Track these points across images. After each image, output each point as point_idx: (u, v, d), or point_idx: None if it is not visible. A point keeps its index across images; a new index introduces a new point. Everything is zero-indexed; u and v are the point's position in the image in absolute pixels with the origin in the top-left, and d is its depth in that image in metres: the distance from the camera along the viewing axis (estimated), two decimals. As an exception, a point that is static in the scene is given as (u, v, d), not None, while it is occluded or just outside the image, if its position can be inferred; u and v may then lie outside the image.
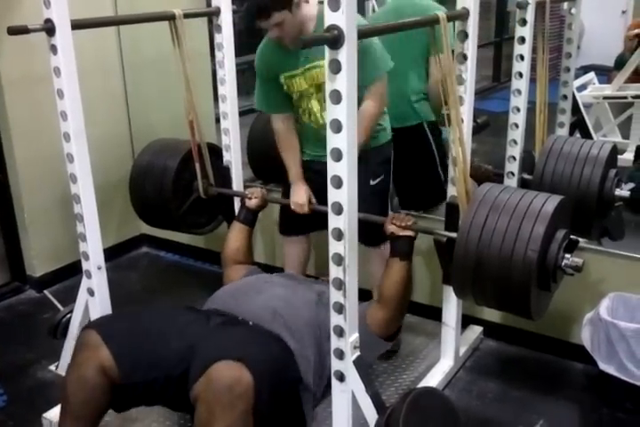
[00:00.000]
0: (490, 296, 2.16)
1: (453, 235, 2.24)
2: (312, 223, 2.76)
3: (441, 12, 2.13)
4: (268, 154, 2.91)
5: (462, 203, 2.29)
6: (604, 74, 4.47)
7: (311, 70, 2.50)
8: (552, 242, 2.08)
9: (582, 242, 2.79)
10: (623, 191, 2.64)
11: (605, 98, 4.07)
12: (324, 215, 2.61)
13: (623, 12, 4.80)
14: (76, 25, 2.20)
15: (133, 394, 2.08)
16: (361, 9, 3.64)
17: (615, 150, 2.68)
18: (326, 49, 1.66)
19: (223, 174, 3.01)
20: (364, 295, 2.35)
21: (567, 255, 2.11)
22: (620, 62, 4.21)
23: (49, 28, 2.12)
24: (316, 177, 2.56)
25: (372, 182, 2.62)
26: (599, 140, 3.65)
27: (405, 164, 2.88)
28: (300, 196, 2.68)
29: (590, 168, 2.55)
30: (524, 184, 2.76)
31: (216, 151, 3.02)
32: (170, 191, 2.92)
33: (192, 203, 3.03)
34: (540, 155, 2.69)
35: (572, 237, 2.17)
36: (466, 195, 2.29)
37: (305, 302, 2.40)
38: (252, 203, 2.82)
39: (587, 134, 3.84)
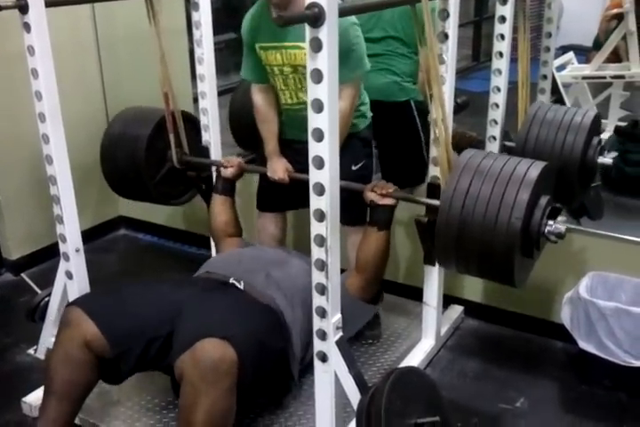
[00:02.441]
0: (473, 264, 2.15)
1: (436, 202, 2.22)
2: (291, 201, 2.75)
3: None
4: (252, 123, 2.86)
5: (444, 178, 2.26)
6: (583, 54, 4.48)
7: (289, 49, 2.46)
8: (536, 208, 2.06)
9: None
10: (606, 159, 2.63)
11: (584, 78, 4.07)
12: (303, 194, 2.62)
13: (602, -8, 4.80)
14: (50, 2, 2.14)
15: (128, 363, 2.09)
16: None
17: (599, 118, 2.67)
18: (307, 27, 1.64)
19: (199, 143, 2.95)
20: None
21: (550, 222, 2.10)
22: (599, 42, 4.22)
23: (22, 6, 2.06)
24: (297, 156, 2.54)
25: (353, 168, 2.60)
26: (582, 107, 3.62)
27: (390, 139, 2.88)
28: (277, 172, 2.64)
29: (573, 135, 2.53)
30: (506, 151, 2.76)
31: (191, 120, 2.96)
32: (143, 161, 2.83)
33: (166, 173, 2.94)
34: (524, 121, 2.66)
35: (555, 204, 2.16)
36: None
37: (298, 270, 2.42)
38: (229, 172, 2.75)
39: (566, 114, 3.84)
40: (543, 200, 2.09)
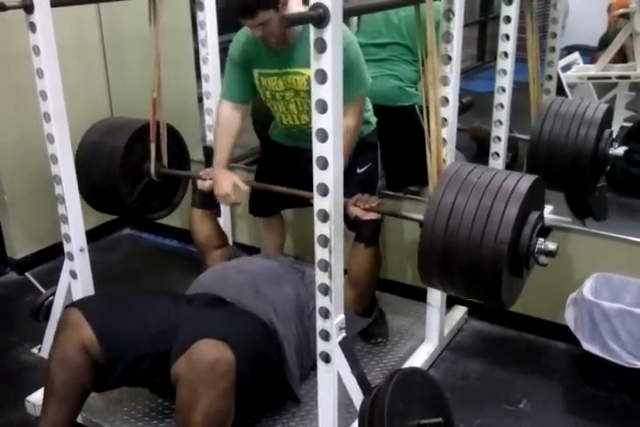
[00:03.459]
0: (458, 284, 2.01)
1: (420, 217, 2.10)
2: (281, 202, 2.74)
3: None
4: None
5: (433, 184, 2.19)
6: (589, 54, 4.47)
7: (291, 75, 2.45)
8: (525, 225, 1.91)
9: (567, 223, 2.82)
10: (617, 150, 2.70)
11: (590, 78, 4.07)
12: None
13: (608, -8, 4.79)
14: (56, 2, 2.14)
15: (114, 373, 2.07)
16: None
17: (610, 112, 2.74)
18: (311, 28, 1.64)
19: (180, 156, 2.91)
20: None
21: (540, 239, 1.94)
22: (605, 42, 4.21)
23: (27, 6, 2.07)
24: (297, 162, 2.54)
25: (358, 171, 2.59)
26: (594, 102, 3.65)
27: (395, 142, 2.88)
28: (222, 186, 2.50)
29: (586, 128, 2.61)
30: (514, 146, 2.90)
31: (173, 133, 2.88)
32: (118, 175, 2.69)
33: (144, 187, 2.81)
34: (538, 115, 2.74)
35: (545, 224, 2.02)
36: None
37: (287, 281, 2.41)
38: (207, 184, 2.63)
39: (571, 115, 3.84)
40: (533, 216, 1.93)
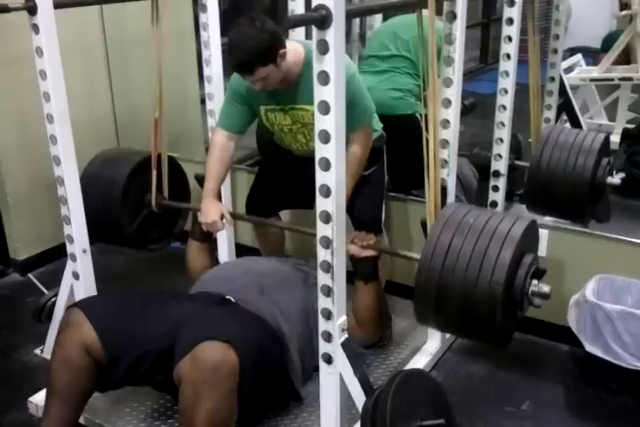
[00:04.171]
0: (453, 324, 2.05)
1: (416, 256, 2.10)
2: (279, 203, 2.74)
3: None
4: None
5: (430, 216, 2.18)
6: (591, 56, 4.48)
7: (297, 111, 2.45)
8: (519, 268, 1.94)
9: (569, 224, 2.82)
10: (614, 179, 2.81)
11: (592, 80, 4.08)
12: (290, 195, 2.64)
13: (611, -6, 4.81)
14: (59, 4, 2.15)
15: (116, 372, 2.07)
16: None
17: (608, 140, 2.83)
18: (314, 29, 1.64)
19: (181, 187, 2.92)
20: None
21: (534, 282, 1.97)
22: (607, 44, 4.22)
23: (30, 7, 2.07)
24: (300, 166, 2.54)
25: (364, 173, 2.59)
26: (592, 130, 3.67)
27: (397, 149, 2.88)
28: (209, 215, 2.50)
29: (584, 157, 2.70)
30: (520, 171, 2.95)
31: (173, 163, 2.87)
32: (119, 206, 2.71)
33: (145, 218, 2.83)
34: (537, 143, 2.82)
35: (539, 267, 2.02)
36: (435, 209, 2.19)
37: (292, 280, 2.43)
38: None
39: (573, 116, 3.85)
40: (527, 259, 1.96)
